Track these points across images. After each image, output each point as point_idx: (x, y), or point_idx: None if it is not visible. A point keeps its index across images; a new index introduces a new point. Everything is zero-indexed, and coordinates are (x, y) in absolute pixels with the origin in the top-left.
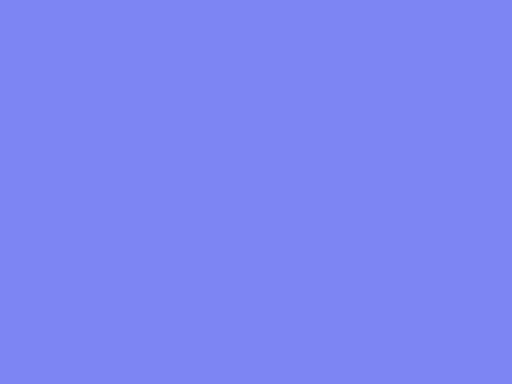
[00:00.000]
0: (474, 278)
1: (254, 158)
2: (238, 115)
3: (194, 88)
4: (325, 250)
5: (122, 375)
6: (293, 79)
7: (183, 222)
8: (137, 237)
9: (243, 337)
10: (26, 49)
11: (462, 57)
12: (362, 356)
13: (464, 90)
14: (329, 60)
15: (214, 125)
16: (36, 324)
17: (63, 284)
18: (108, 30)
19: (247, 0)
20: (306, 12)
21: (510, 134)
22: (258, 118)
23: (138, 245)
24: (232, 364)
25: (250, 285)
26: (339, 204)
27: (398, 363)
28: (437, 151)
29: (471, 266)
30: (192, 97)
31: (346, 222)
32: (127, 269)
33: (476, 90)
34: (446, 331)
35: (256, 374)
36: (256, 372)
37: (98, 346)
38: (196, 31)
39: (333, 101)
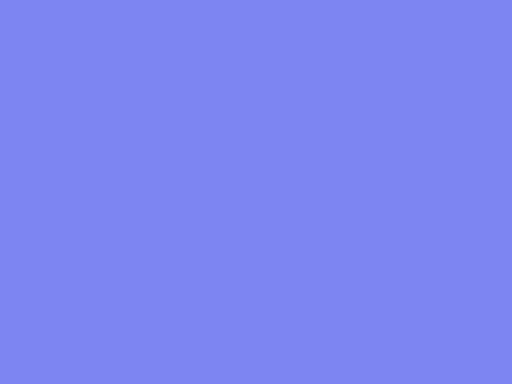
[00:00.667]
0: (474, 278)
1: (254, 157)
2: (238, 115)
3: (194, 88)
4: (325, 250)
5: (122, 375)
6: (293, 79)
7: (183, 222)
8: (137, 237)
9: (243, 337)
10: (26, 49)
11: (462, 57)
12: (362, 356)
13: (464, 89)
14: (329, 60)
15: (214, 125)
16: (36, 324)
17: (63, 284)
18: (108, 30)
19: (247, 0)
20: (306, 12)
21: (510, 133)
22: (258, 118)
23: (137, 245)
24: (232, 364)
25: (250, 285)
26: (339, 204)
27: (398, 363)
28: (437, 151)
29: (471, 266)
30: (192, 97)
31: (346, 222)
32: (127, 269)
33: (476, 90)
34: (446, 331)
35: (256, 374)
36: (256, 372)
37: (98, 346)
38: (196, 31)
39: (333, 101)
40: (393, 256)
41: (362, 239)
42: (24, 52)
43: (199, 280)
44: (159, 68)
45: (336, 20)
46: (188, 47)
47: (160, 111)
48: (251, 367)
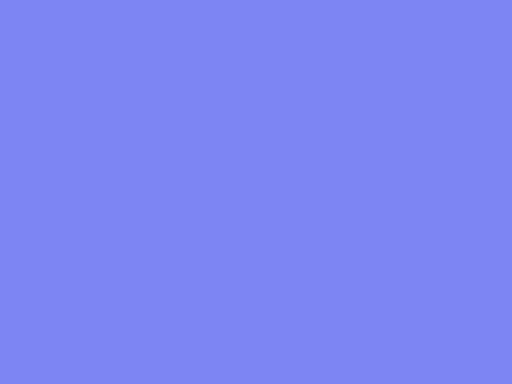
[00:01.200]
0: (474, 278)
1: (254, 158)
2: (238, 115)
3: (194, 88)
4: (325, 250)
5: (122, 375)
6: (293, 79)
7: (183, 222)
8: (137, 237)
9: (243, 337)
10: (26, 49)
11: (462, 57)
12: (362, 356)
13: (464, 90)
14: (329, 60)
15: (214, 125)
16: (36, 324)
17: (63, 284)
18: (108, 30)
19: (247, 0)
20: (306, 12)
21: (510, 134)
22: (258, 118)
23: (138, 245)
24: (232, 364)
25: (250, 285)
26: (339, 204)
27: (398, 363)
28: (437, 151)
29: (471, 266)
30: (192, 97)
31: (346, 222)
32: (127, 269)
33: (476, 90)
34: (446, 331)
35: (256, 374)
36: (256, 372)
37: (98, 346)
38: (196, 31)
39: (333, 101)
40: (393, 256)
41: (362, 239)
42: (24, 52)
43: (199, 280)
44: (159, 68)
45: (336, 20)
46: (188, 47)
47: (160, 111)
48: (251, 367)
